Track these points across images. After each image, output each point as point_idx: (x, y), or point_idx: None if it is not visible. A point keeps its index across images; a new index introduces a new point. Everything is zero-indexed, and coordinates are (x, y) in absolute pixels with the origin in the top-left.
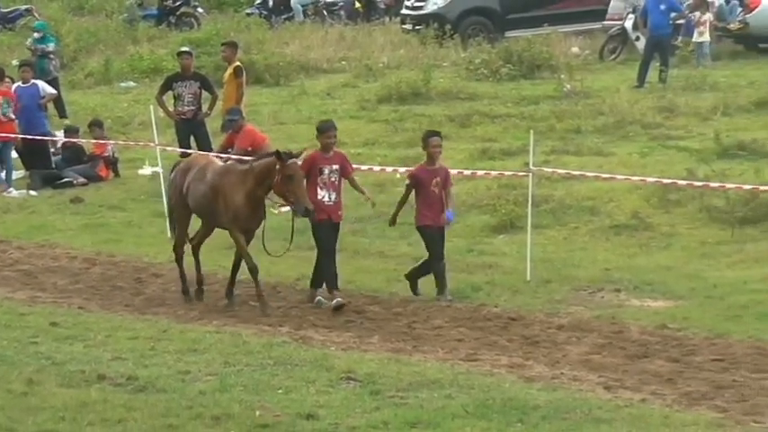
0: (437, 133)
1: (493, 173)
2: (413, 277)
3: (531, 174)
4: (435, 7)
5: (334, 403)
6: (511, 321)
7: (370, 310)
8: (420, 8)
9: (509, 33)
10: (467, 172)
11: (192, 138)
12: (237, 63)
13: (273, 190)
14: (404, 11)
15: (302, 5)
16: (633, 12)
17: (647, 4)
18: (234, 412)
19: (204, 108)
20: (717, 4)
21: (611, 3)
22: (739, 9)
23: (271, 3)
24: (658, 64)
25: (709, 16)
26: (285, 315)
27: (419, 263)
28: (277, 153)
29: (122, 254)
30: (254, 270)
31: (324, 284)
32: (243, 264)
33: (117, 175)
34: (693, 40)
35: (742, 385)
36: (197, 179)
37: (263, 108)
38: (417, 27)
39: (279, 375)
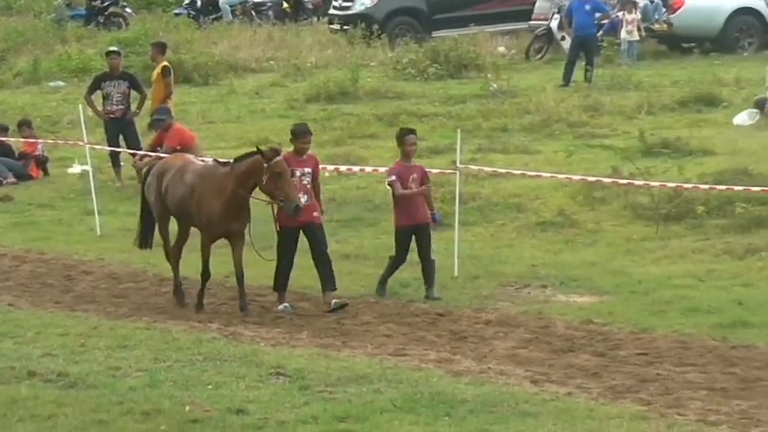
0: (412, 131)
1: None
2: (427, 283)
3: (458, 172)
4: (363, 8)
5: (264, 398)
6: (439, 317)
7: (299, 307)
8: (347, 8)
9: (436, 33)
10: None
11: (120, 136)
12: (165, 63)
13: (261, 189)
14: (331, 11)
15: (230, 6)
16: (558, 12)
17: (572, 4)
18: (164, 407)
19: (133, 107)
20: (641, 4)
21: (537, 3)
22: (663, 9)
23: (199, 3)
24: (584, 63)
25: (636, 15)
26: (215, 312)
27: (421, 269)
28: (260, 152)
29: (52, 251)
30: (205, 277)
31: (334, 287)
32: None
33: (46, 173)
34: (622, 38)
35: (666, 379)
36: (176, 180)
37: (192, 107)
38: (345, 27)
39: (208, 371)
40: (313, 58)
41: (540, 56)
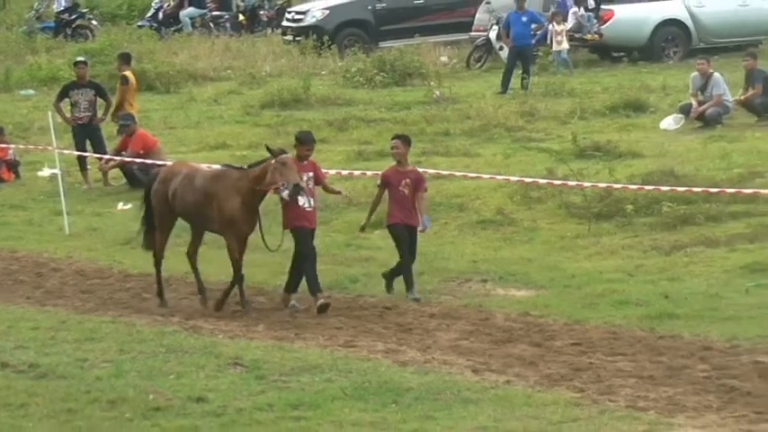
0: (399, 136)
1: (368, 173)
2: (389, 277)
3: None
4: (314, 20)
5: (222, 387)
6: (386, 310)
7: (255, 301)
8: (300, 20)
9: (383, 44)
10: (344, 172)
11: (87, 141)
12: (124, 72)
13: (266, 184)
14: (285, 23)
15: (190, 18)
16: (497, 23)
17: (510, 16)
18: (129, 396)
19: (99, 114)
20: (578, 14)
21: (477, 15)
22: (594, 21)
23: (161, 15)
24: (521, 72)
25: (564, 26)
26: (176, 306)
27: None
28: (269, 149)
29: (23, 250)
30: (240, 279)
31: (296, 290)
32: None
33: (18, 177)
34: (553, 49)
35: (598, 367)
36: (185, 186)
37: (155, 114)
38: (297, 38)
39: (170, 362)
40: (268, 68)
41: (479, 65)
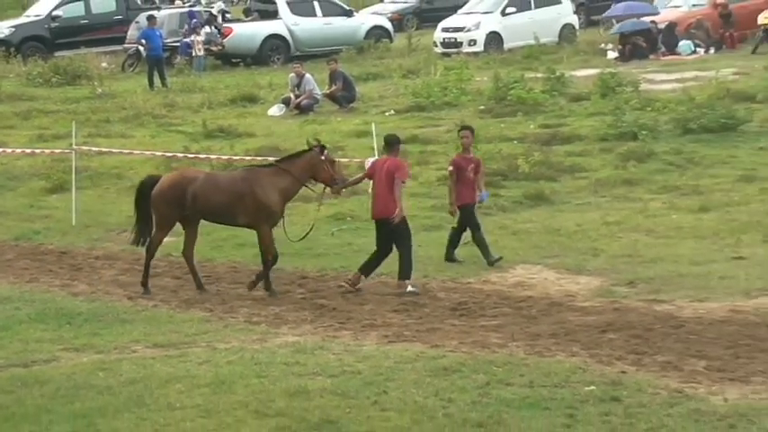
0: (467, 127)
1: (47, 151)
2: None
3: (74, 151)
4: (2, 35)
5: None
6: (62, 255)
7: None
8: None
9: (58, 53)
10: (28, 150)
11: None
12: None
13: (318, 179)
14: None
15: None
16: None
17: (146, 32)
18: None
19: None
20: (207, 30)
21: (129, 32)
22: (218, 35)
23: None
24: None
25: (201, 37)
26: None
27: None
28: (320, 146)
29: None
30: (275, 259)
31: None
32: None
33: None
34: (193, 55)
35: (223, 293)
36: (208, 189)
37: None
38: None
39: None
40: None
41: (132, 69)
